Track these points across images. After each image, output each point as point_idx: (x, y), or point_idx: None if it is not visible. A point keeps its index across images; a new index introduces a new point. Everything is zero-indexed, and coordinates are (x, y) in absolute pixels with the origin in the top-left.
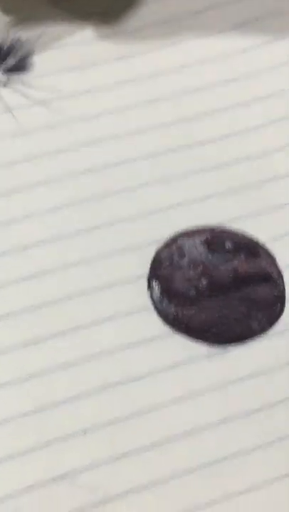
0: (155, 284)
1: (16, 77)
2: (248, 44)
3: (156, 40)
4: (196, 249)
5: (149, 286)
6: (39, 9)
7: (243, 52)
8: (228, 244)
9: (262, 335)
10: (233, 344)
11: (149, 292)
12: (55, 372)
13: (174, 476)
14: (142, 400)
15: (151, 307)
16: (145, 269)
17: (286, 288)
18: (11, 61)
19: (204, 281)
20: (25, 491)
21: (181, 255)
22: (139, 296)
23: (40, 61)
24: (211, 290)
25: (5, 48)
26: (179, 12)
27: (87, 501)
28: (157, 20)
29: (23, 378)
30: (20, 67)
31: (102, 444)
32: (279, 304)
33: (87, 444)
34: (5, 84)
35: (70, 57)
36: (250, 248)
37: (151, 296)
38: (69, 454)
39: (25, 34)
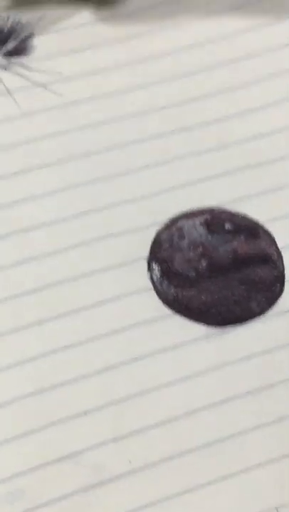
0: (155, 266)
1: (16, 60)
2: (248, 25)
3: (155, 22)
4: (195, 230)
5: (149, 268)
6: None
7: (243, 33)
8: (228, 226)
9: (261, 316)
10: (232, 325)
11: (149, 274)
12: (56, 354)
13: (175, 456)
14: (142, 380)
15: (152, 289)
16: (145, 250)
17: (286, 269)
18: (11, 44)
19: (204, 263)
20: (29, 471)
21: (181, 237)
22: (139, 277)
23: (40, 44)
24: (211, 271)
25: (5, 31)
26: None
27: (90, 481)
28: (156, 1)
29: (25, 360)
30: (21, 50)
31: (104, 424)
32: (278, 285)
33: (89, 425)
34: (5, 68)
35: (70, 39)
36: (249, 229)
37: (152, 278)
38: (72, 435)
39: (26, 17)
